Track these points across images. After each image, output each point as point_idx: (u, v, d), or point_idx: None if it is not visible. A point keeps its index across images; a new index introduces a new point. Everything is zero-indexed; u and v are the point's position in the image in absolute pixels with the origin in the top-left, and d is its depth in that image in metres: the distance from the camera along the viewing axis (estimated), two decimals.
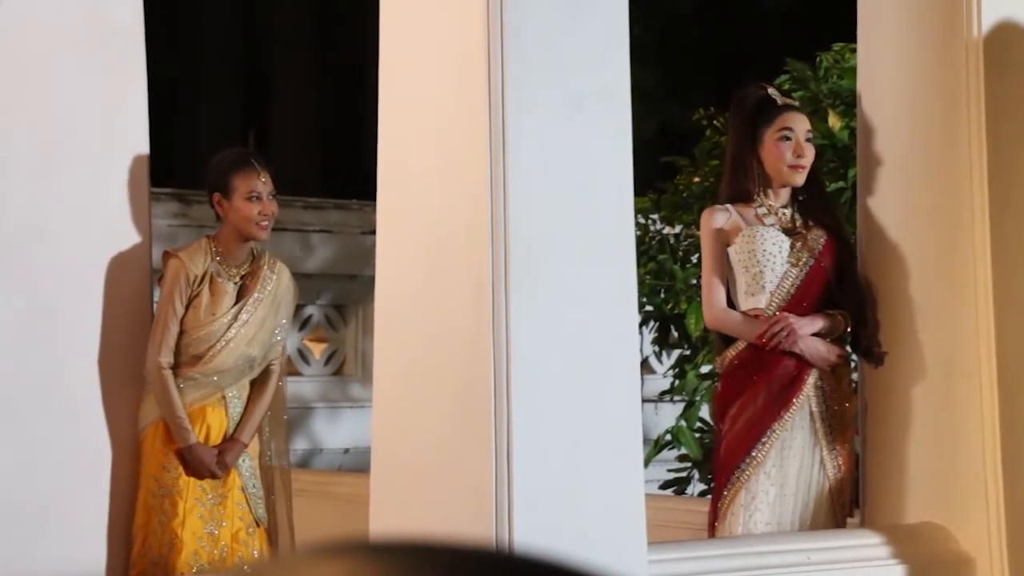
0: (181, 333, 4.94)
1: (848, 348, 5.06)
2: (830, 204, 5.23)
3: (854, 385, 5.15)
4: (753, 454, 4.87)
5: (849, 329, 5.00)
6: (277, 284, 5.09)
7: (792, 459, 4.91)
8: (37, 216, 4.77)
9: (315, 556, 0.79)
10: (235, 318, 5.00)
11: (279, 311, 5.10)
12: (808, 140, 5.02)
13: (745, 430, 4.90)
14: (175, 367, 4.93)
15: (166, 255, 4.99)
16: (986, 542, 4.74)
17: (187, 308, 4.95)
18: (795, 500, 4.90)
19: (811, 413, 4.94)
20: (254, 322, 5.02)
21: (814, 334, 4.94)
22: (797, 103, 5.13)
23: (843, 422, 4.98)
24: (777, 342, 4.89)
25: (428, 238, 4.13)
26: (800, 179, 5.00)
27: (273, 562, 0.77)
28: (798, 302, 4.96)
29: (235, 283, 5.04)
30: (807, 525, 4.90)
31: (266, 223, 5.01)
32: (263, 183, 5.01)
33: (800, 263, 4.98)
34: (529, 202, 4.00)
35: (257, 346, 5.04)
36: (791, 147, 4.98)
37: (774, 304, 4.95)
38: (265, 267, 5.08)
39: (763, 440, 4.87)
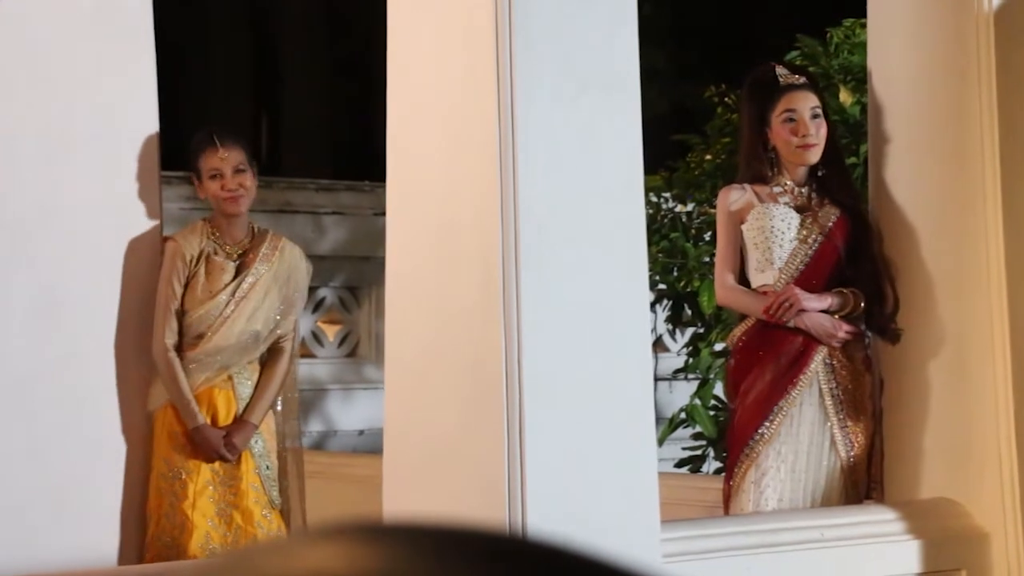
0: (183, 314, 4.96)
1: (863, 326, 5.03)
2: (848, 180, 5.12)
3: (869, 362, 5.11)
4: (761, 431, 4.87)
5: (863, 306, 4.96)
6: (280, 259, 5.10)
7: (802, 436, 4.90)
8: (48, 201, 4.78)
9: (310, 538, 0.78)
10: (233, 294, 5.02)
11: (285, 286, 5.10)
12: (816, 117, 4.97)
13: (754, 407, 4.90)
14: (180, 349, 4.95)
15: (165, 239, 5.01)
16: (1000, 517, 4.74)
17: (186, 289, 4.98)
18: (806, 477, 4.89)
19: (820, 390, 4.92)
20: (254, 296, 5.04)
21: (824, 311, 4.92)
22: (802, 80, 5.04)
23: (856, 400, 4.95)
24: (782, 313, 4.88)
25: (438, 221, 4.13)
26: (812, 157, 4.97)
27: (267, 544, 0.77)
28: (807, 279, 4.95)
29: (234, 261, 5.06)
30: (819, 503, 4.89)
31: (236, 196, 5.03)
32: (222, 160, 5.04)
33: (809, 240, 4.96)
34: (538, 184, 4.00)
35: (260, 321, 5.05)
36: (795, 128, 4.96)
37: (782, 281, 4.94)
38: (266, 244, 5.10)
39: (771, 417, 4.87)
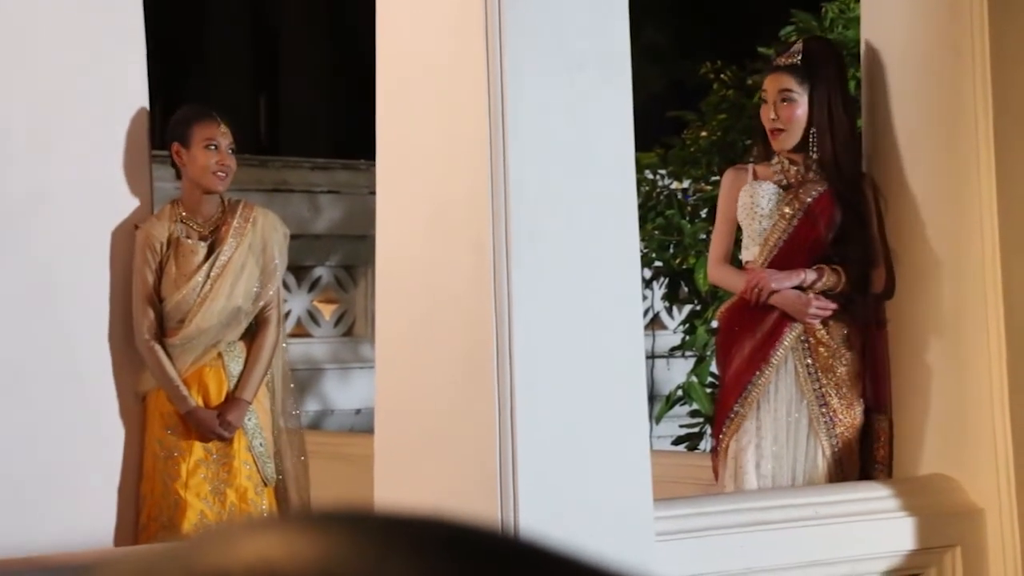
0: (162, 301, 4.95)
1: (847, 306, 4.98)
2: (840, 159, 4.95)
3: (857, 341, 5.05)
4: (736, 408, 4.87)
5: (844, 284, 4.90)
6: (253, 229, 5.07)
7: (779, 414, 4.87)
8: (38, 184, 4.77)
9: (252, 528, 0.78)
10: (207, 274, 4.99)
11: (261, 256, 5.08)
12: (785, 100, 4.93)
13: (732, 383, 4.91)
14: (164, 335, 4.94)
15: (134, 229, 4.99)
16: (995, 493, 4.73)
17: (162, 275, 4.96)
18: (787, 454, 4.87)
19: (796, 369, 4.89)
20: (230, 272, 5.01)
21: (799, 287, 4.88)
22: (786, 62, 4.99)
23: (839, 379, 4.90)
24: (755, 298, 4.88)
25: (428, 202, 4.12)
26: (780, 142, 4.95)
27: (209, 534, 0.76)
28: (786, 255, 4.93)
29: (205, 240, 5.04)
30: (801, 481, 4.86)
31: (223, 174, 5.02)
32: (222, 133, 5.02)
33: (787, 216, 4.94)
34: (530, 163, 3.98)
35: (240, 296, 5.02)
36: (765, 110, 4.97)
37: (763, 256, 4.95)
38: (237, 216, 5.07)
39: (744, 393, 4.86)
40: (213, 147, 5.00)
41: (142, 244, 4.93)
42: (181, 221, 5.02)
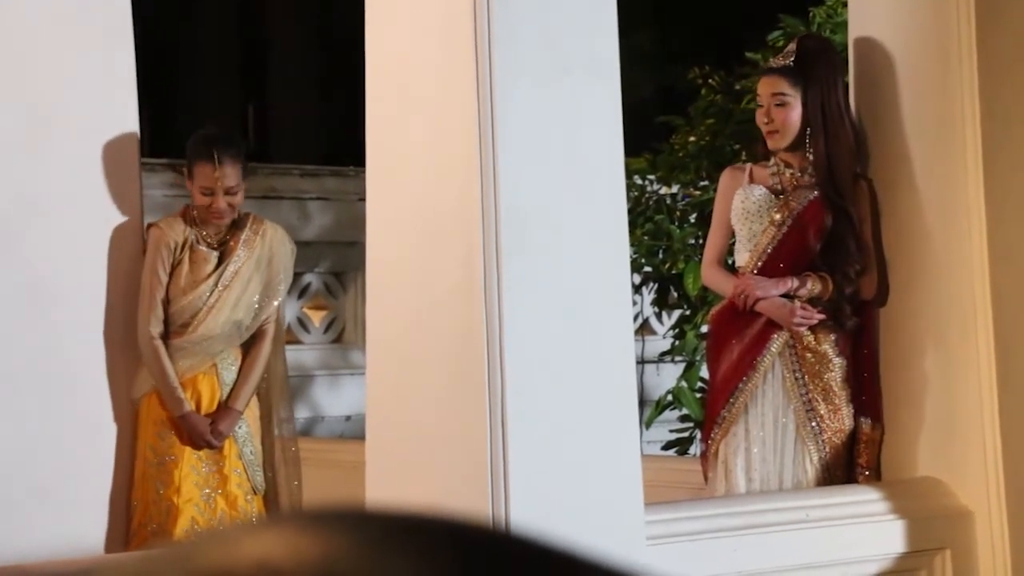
0: (168, 302, 4.95)
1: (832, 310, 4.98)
2: (832, 165, 4.91)
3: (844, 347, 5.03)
4: (723, 414, 4.87)
5: (832, 291, 4.89)
6: (262, 244, 5.08)
7: (766, 419, 4.87)
8: (29, 190, 4.77)
9: (254, 528, 0.78)
10: (216, 283, 5.00)
11: (267, 270, 5.08)
12: (780, 104, 4.93)
13: (720, 388, 4.92)
14: (165, 336, 4.94)
15: (148, 227, 5.00)
16: (984, 496, 4.74)
17: (171, 277, 4.96)
18: (774, 458, 4.87)
19: (783, 376, 4.89)
20: (237, 285, 5.02)
21: (786, 295, 4.88)
22: (780, 63, 5.00)
23: (826, 385, 4.90)
24: (741, 305, 4.88)
25: (418, 207, 4.12)
26: (775, 143, 4.96)
27: (211, 534, 0.76)
28: (775, 261, 4.93)
29: (216, 249, 5.05)
30: (789, 486, 4.86)
31: (219, 215, 5.00)
32: (216, 179, 4.98)
33: (777, 222, 4.94)
34: (519, 168, 3.99)
35: (243, 310, 5.03)
36: (761, 114, 4.98)
37: (753, 262, 4.94)
38: (247, 229, 5.08)
39: (731, 400, 4.87)
40: (208, 193, 4.99)
41: (157, 241, 4.95)
42: (194, 227, 5.04)
